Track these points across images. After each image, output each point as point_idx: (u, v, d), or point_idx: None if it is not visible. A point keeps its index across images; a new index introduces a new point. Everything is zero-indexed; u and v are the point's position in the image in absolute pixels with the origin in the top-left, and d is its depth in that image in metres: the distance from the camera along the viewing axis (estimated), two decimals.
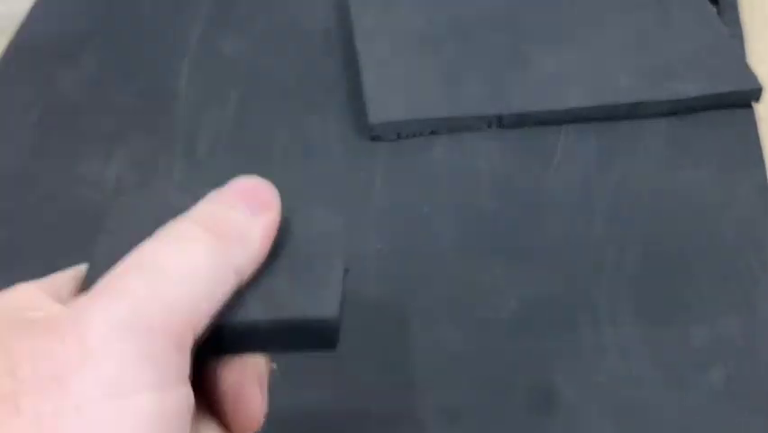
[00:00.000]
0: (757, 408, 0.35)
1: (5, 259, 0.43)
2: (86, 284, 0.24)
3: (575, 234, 0.42)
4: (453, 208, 0.44)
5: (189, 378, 0.21)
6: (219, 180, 0.46)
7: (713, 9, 0.54)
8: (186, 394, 0.21)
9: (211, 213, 0.23)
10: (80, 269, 0.25)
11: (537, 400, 0.36)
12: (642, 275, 0.40)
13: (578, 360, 0.37)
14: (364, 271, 0.41)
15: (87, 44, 0.56)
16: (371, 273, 0.41)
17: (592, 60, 0.50)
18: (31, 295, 0.23)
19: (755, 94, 0.48)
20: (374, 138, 0.48)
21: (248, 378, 0.24)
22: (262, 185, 0.25)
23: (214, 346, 0.23)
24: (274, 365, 0.25)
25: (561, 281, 0.40)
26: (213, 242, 0.22)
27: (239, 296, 0.23)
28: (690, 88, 0.48)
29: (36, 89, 0.53)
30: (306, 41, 0.56)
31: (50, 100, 0.52)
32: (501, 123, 0.48)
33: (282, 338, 0.24)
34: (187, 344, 0.21)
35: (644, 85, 0.48)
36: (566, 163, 0.46)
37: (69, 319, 0.20)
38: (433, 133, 0.48)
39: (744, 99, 0.48)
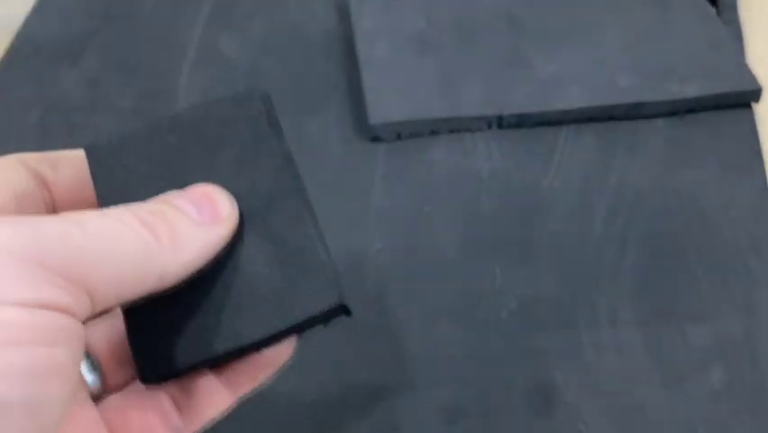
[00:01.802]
0: (757, 408, 0.35)
1: None
2: None
3: (575, 234, 0.42)
4: (453, 208, 0.44)
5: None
6: None
7: (712, 9, 0.54)
8: (63, 321, 0.20)
9: (155, 210, 0.23)
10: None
11: (537, 399, 0.36)
12: (641, 275, 0.40)
13: (577, 360, 0.37)
14: (364, 271, 0.41)
15: (88, 45, 0.57)
16: (371, 273, 0.41)
17: (592, 61, 0.50)
18: None
19: (755, 94, 0.48)
20: (374, 139, 0.48)
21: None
22: (222, 197, 0.24)
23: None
24: None
25: (560, 281, 0.40)
26: (144, 235, 0.22)
27: (235, 311, 0.23)
28: (690, 89, 0.48)
29: (37, 90, 0.53)
30: (306, 41, 0.56)
31: (50, 100, 0.52)
32: (501, 123, 0.48)
33: (291, 333, 0.24)
34: (79, 300, 0.20)
35: (644, 85, 0.48)
36: (566, 163, 0.46)
37: None
38: (433, 133, 0.48)
39: (743, 99, 0.48)
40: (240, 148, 0.26)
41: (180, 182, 0.25)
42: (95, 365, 0.25)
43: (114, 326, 0.26)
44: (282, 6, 0.59)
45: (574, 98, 0.48)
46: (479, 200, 0.44)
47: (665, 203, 0.44)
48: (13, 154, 0.26)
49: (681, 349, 0.37)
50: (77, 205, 0.27)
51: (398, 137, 0.48)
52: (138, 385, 0.25)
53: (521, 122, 0.48)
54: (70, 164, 0.27)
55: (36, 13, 0.60)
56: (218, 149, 0.26)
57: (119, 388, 0.25)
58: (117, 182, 0.25)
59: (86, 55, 0.56)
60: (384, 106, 0.48)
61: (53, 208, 0.26)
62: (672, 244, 0.41)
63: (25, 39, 0.58)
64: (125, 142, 0.26)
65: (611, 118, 0.48)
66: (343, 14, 0.57)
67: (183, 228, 0.23)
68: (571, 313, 0.39)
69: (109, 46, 0.56)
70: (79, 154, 0.27)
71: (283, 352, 0.25)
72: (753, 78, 0.48)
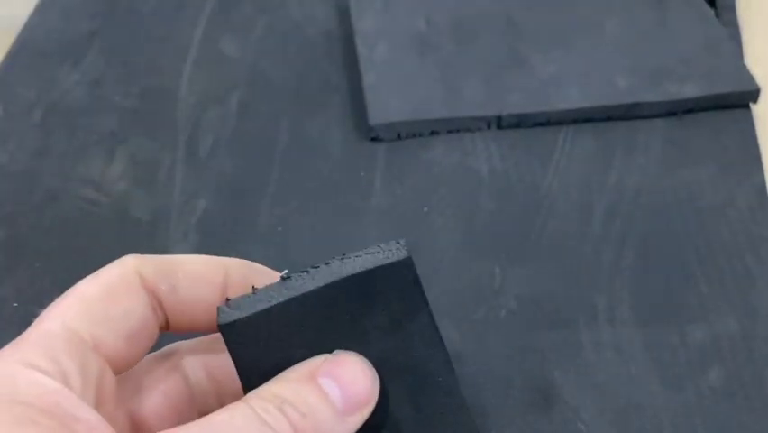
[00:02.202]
0: (755, 408, 0.35)
1: (6, 259, 0.43)
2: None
3: (574, 233, 0.42)
4: (453, 208, 0.44)
5: None
6: (220, 181, 0.47)
7: (710, 10, 0.54)
8: None
9: (306, 412, 0.23)
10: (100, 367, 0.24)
11: (536, 399, 0.36)
12: (640, 275, 0.40)
13: (576, 359, 0.37)
14: None
15: (89, 45, 0.57)
16: None
17: (591, 61, 0.51)
18: (73, 401, 0.22)
19: (753, 95, 0.48)
20: (374, 138, 0.48)
21: None
22: (365, 375, 0.25)
23: None
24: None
25: (560, 281, 0.40)
26: None
27: None
28: (688, 89, 0.48)
29: (38, 90, 0.53)
30: (306, 41, 0.56)
31: (51, 101, 0.52)
32: (501, 123, 0.48)
33: None
34: None
35: (643, 86, 0.49)
36: (565, 163, 0.46)
37: None
38: (433, 133, 0.48)
39: (741, 100, 0.48)
40: (388, 317, 0.26)
41: (326, 348, 0.25)
42: None
43: None
44: (282, 7, 0.59)
45: (573, 99, 0.48)
46: (478, 200, 0.45)
47: (664, 203, 0.44)
48: (131, 261, 0.25)
49: (679, 349, 0.37)
50: (191, 324, 0.27)
51: (398, 137, 0.48)
52: None
53: (520, 122, 0.48)
54: (189, 281, 0.26)
55: (38, 13, 0.60)
56: (365, 317, 0.26)
57: None
58: (259, 354, 0.25)
59: (87, 55, 0.56)
60: (384, 106, 0.48)
61: (166, 327, 0.26)
62: (670, 244, 0.42)
63: (27, 39, 0.58)
64: (264, 314, 0.25)
65: (610, 118, 0.48)
66: (343, 14, 0.57)
67: (329, 426, 0.23)
68: (571, 313, 0.39)
69: (110, 46, 0.57)
70: (197, 268, 0.26)
71: None
72: (751, 79, 0.49)
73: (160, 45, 0.56)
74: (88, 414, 0.22)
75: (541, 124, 0.48)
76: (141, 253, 0.43)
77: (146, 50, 0.56)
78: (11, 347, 0.23)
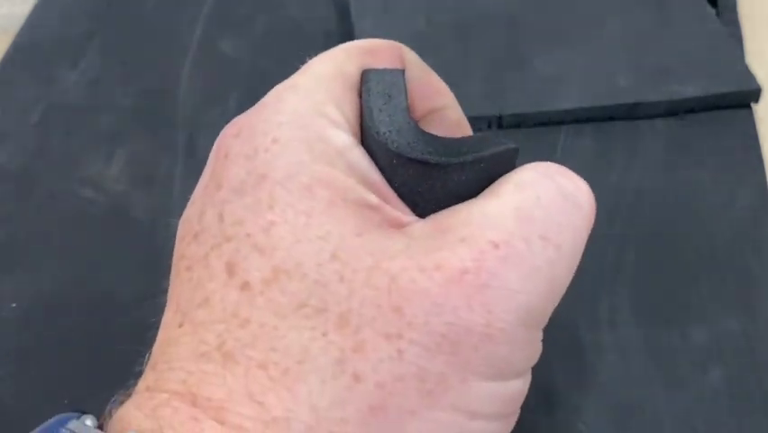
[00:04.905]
0: (757, 408, 0.35)
1: (6, 259, 0.43)
2: None
3: None
4: None
5: None
6: None
7: (712, 10, 0.54)
8: None
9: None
10: None
11: (536, 399, 0.36)
12: (641, 275, 0.40)
13: (577, 360, 0.37)
14: None
15: (88, 45, 0.57)
16: None
17: (591, 61, 0.50)
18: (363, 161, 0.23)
19: (754, 95, 0.48)
20: None
21: None
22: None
23: None
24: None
25: None
26: None
27: None
28: (689, 89, 0.48)
29: (37, 89, 0.53)
30: (306, 41, 0.56)
31: (50, 100, 0.52)
32: (501, 123, 0.48)
33: None
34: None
35: (643, 85, 0.49)
36: (566, 163, 0.46)
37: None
38: None
39: (743, 100, 0.48)
40: None
41: None
42: None
43: None
44: (282, 6, 0.59)
45: (574, 98, 0.48)
46: None
47: (665, 203, 0.44)
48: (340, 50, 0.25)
49: (680, 349, 0.37)
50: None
51: None
52: None
53: (521, 122, 0.48)
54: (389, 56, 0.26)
55: (36, 12, 0.60)
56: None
57: None
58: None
59: (86, 55, 0.56)
60: None
61: None
62: (671, 245, 0.42)
63: (25, 39, 0.58)
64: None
65: (611, 118, 0.48)
66: (343, 14, 0.57)
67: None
68: (571, 313, 0.39)
69: (109, 46, 0.57)
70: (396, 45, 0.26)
71: None
72: (752, 79, 0.49)
73: (160, 45, 0.56)
74: (376, 174, 0.22)
75: (541, 124, 0.48)
76: (141, 252, 0.43)
77: (146, 50, 0.56)
78: (290, 89, 0.23)
